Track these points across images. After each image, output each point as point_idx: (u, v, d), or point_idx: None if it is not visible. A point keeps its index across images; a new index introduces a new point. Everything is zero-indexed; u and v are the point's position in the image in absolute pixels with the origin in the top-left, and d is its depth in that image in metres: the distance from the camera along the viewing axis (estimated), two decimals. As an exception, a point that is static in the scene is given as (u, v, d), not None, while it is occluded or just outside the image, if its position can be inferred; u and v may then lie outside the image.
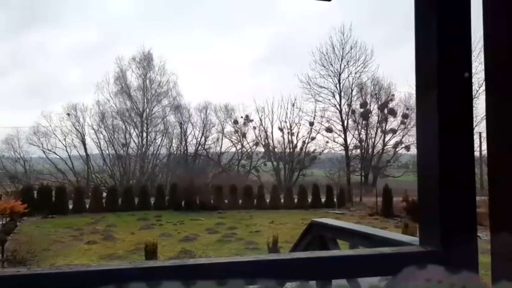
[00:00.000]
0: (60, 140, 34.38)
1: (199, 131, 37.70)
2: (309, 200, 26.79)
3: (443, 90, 1.56)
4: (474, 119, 1.64)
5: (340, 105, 37.48)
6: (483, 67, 1.50)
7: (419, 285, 0.80)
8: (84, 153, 35.31)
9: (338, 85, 37.25)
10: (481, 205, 1.71)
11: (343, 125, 37.66)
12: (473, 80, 1.64)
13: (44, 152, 34.18)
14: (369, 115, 37.61)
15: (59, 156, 34.63)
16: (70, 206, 24.00)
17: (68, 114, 34.56)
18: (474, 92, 1.72)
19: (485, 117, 1.49)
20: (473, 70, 1.65)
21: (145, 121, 37.48)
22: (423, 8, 1.65)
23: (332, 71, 36.96)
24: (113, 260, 12.34)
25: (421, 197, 1.68)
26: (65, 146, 34.63)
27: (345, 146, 37.71)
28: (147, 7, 44.71)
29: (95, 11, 45.19)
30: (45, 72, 47.01)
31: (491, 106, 1.49)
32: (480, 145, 22.48)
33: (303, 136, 38.23)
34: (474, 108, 1.65)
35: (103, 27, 49.39)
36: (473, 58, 1.64)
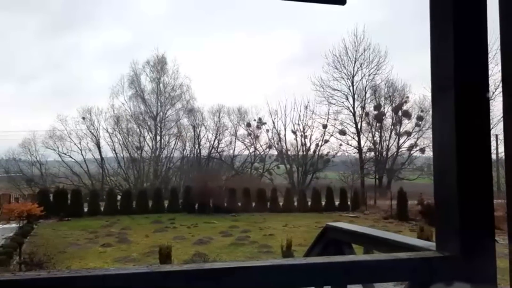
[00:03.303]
0: (75, 144, 34.98)
1: (212, 134, 37.96)
2: (323, 203, 26.64)
3: (460, 92, 1.54)
4: (491, 121, 1.62)
5: (353, 108, 37.27)
6: (499, 68, 1.47)
7: None
8: (99, 156, 35.81)
9: (351, 88, 37.06)
10: (498, 208, 1.67)
11: (356, 127, 37.40)
12: (489, 82, 1.62)
13: (59, 155, 34.81)
14: (383, 117, 37.27)
15: (74, 160, 35.21)
16: (85, 209, 24.33)
17: (83, 118, 35.09)
18: (490, 94, 1.69)
19: (502, 119, 1.46)
20: (489, 72, 1.63)
21: (159, 125, 37.85)
22: (439, 11, 1.63)
23: (345, 74, 36.80)
24: (128, 263, 12.44)
25: (438, 201, 1.64)
26: (80, 150, 35.21)
27: (359, 148, 37.41)
28: (165, 10, 45.15)
29: (111, 15, 45.80)
30: (62, 76, 47.83)
31: (509, 108, 1.47)
32: (497, 148, 22.09)
33: (316, 139, 38.17)
34: (490, 110, 1.62)
35: (119, 30, 50.05)
36: (488, 59, 1.62)
